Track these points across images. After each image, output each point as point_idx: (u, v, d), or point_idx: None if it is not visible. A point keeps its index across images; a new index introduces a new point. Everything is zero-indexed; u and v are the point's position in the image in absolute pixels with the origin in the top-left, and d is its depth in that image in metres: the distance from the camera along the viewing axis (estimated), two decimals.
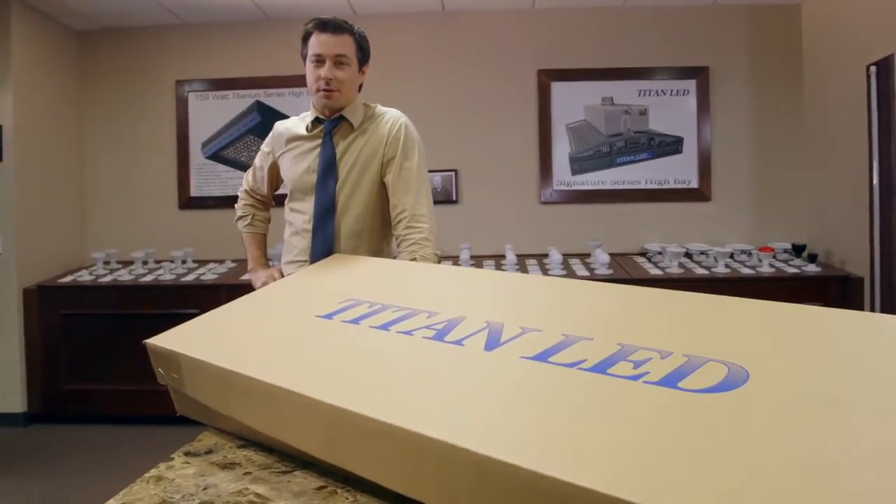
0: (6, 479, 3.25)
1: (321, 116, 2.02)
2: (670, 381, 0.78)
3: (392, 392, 0.88)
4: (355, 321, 1.14)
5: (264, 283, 1.98)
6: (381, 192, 2.02)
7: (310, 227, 1.98)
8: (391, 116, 2.04)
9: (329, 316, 1.18)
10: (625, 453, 0.67)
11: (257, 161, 2.22)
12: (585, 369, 0.85)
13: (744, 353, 0.82)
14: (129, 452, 3.56)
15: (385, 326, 1.09)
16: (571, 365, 0.86)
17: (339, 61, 1.94)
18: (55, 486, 3.15)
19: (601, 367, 0.84)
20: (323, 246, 1.94)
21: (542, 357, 0.90)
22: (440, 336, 1.02)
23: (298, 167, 2.02)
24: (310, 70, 1.97)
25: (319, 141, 2.01)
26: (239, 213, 2.27)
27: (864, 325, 0.90)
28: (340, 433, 0.87)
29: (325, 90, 1.94)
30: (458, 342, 0.99)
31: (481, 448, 0.71)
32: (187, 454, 1.04)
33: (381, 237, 2.06)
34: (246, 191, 2.27)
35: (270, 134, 2.16)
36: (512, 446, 0.71)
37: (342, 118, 2.00)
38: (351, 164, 1.99)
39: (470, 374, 0.90)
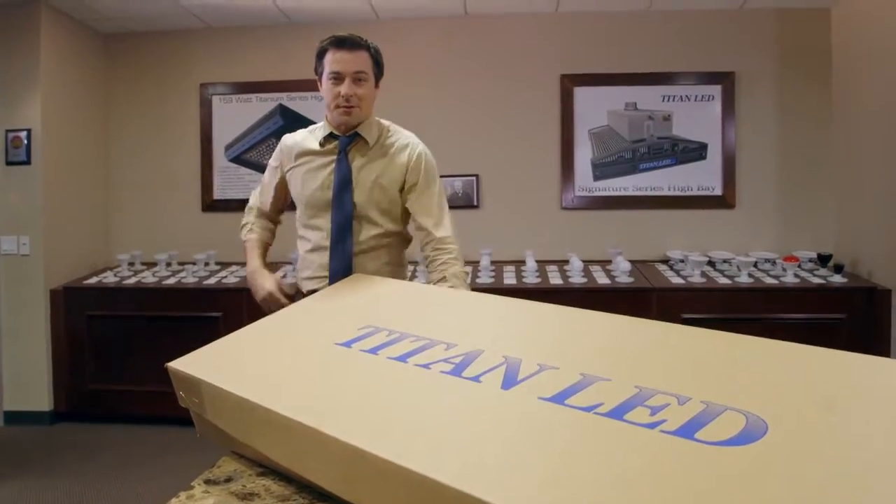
0: (32, 476, 3.31)
1: (335, 132, 2.02)
2: (687, 430, 0.78)
3: (408, 432, 0.88)
4: (373, 351, 1.15)
5: (269, 294, 1.98)
6: (399, 212, 2.05)
7: (328, 243, 1.99)
8: (409, 143, 2.05)
9: (348, 344, 1.19)
10: None
11: (266, 177, 2.21)
12: (602, 414, 0.84)
13: (763, 402, 0.81)
14: (152, 452, 3.62)
15: (403, 358, 1.10)
16: (588, 409, 0.86)
17: (357, 78, 1.94)
18: (79, 484, 3.21)
19: (618, 413, 0.84)
20: (340, 263, 1.95)
21: (559, 399, 0.89)
22: (458, 371, 1.02)
23: (311, 183, 2.02)
24: (328, 87, 1.97)
25: (333, 157, 2.00)
26: (243, 230, 2.24)
27: (888, 373, 0.88)
28: (356, 471, 0.88)
29: (345, 107, 1.94)
30: (476, 378, 0.99)
31: (494, 498, 0.71)
32: (207, 482, 1.06)
33: (398, 254, 2.09)
34: (251, 208, 2.25)
35: (278, 148, 2.15)
36: (526, 497, 0.71)
37: (357, 135, 2.01)
38: (370, 185, 1.99)
39: (487, 415, 0.90)
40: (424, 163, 2.03)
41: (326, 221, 2.00)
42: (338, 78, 1.94)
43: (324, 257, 2.00)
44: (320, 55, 1.98)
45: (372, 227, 2.00)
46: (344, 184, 1.98)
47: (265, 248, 2.22)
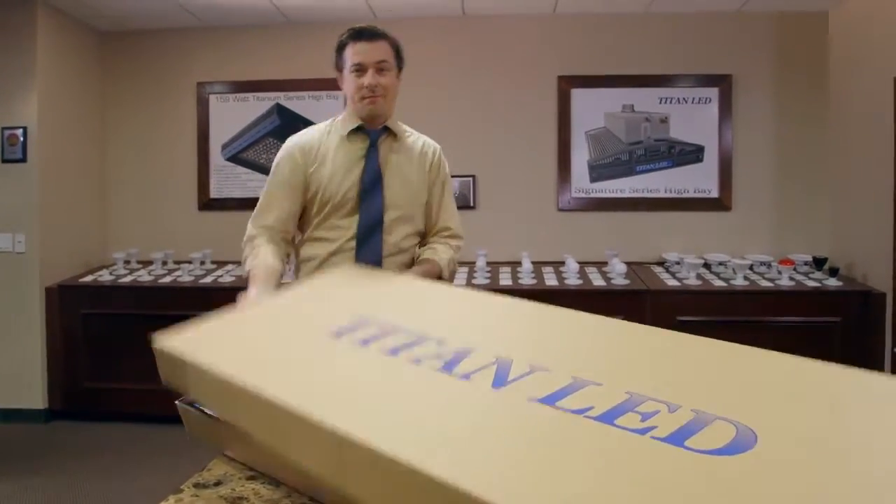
0: (27, 474, 3.30)
1: (364, 125, 1.94)
2: (678, 438, 0.77)
3: (395, 424, 0.87)
4: (365, 342, 1.13)
5: None
6: (421, 211, 2.04)
7: (354, 244, 1.90)
8: (428, 140, 2.08)
9: (339, 334, 1.17)
10: None
11: (272, 191, 1.94)
12: (592, 418, 0.84)
13: (753, 412, 0.80)
14: (146, 451, 3.61)
15: (394, 352, 1.09)
16: (579, 412, 0.85)
17: (380, 67, 1.89)
18: (73, 483, 3.20)
19: (608, 417, 0.83)
20: (369, 261, 1.85)
21: (550, 400, 0.89)
22: (448, 368, 1.01)
23: (340, 180, 1.90)
24: (350, 80, 1.90)
25: (361, 153, 1.93)
26: (245, 262, 1.87)
27: (879, 387, 0.88)
28: (344, 459, 0.86)
29: (370, 97, 1.88)
30: (466, 376, 0.98)
31: (487, 494, 0.70)
32: (196, 485, 1.05)
33: (415, 255, 2.06)
34: (254, 236, 1.91)
35: (286, 154, 1.95)
36: (518, 495, 0.71)
37: (387, 128, 1.97)
38: (399, 184, 1.94)
39: (475, 414, 0.90)
40: (444, 163, 2.07)
41: (353, 221, 1.90)
42: (360, 69, 1.88)
43: (349, 260, 1.88)
44: (340, 49, 1.93)
45: (404, 227, 1.96)
46: (375, 179, 1.91)
47: (277, 277, 1.79)
